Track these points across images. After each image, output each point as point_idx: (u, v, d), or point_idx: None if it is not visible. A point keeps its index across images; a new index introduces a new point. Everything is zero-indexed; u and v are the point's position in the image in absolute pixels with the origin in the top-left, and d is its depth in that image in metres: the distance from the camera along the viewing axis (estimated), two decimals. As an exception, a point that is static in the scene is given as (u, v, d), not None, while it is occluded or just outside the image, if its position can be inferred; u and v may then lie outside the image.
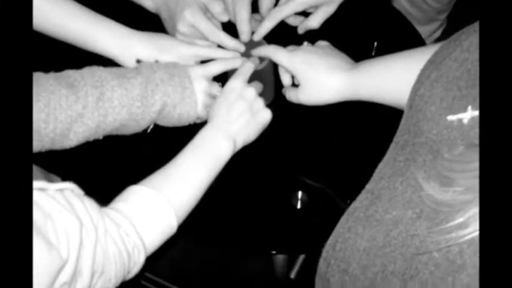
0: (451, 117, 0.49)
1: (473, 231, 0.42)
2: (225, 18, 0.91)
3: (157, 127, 0.83)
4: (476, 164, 0.42)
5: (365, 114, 0.89)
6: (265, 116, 0.81)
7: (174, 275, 1.31)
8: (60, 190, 0.57)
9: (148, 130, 0.82)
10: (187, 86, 0.80)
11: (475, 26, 0.53)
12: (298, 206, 0.83)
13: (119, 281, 0.61)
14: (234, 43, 0.88)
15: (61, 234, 0.54)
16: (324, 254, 0.55)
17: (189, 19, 0.87)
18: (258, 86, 0.83)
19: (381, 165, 0.56)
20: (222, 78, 0.86)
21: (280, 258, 0.90)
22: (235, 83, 0.81)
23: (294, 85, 0.88)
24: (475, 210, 0.42)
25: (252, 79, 0.83)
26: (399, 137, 0.56)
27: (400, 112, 0.60)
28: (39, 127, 0.70)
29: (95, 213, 0.59)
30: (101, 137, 0.77)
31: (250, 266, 1.33)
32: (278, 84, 0.90)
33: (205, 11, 0.90)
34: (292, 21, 0.94)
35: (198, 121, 0.85)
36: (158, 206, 0.67)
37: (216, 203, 0.80)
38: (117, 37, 0.83)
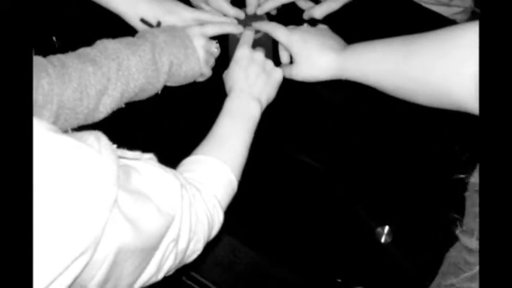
0: None
1: None
2: None
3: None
4: None
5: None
6: (278, 73, 0.88)
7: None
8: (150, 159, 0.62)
9: (159, 92, 0.86)
10: (189, 45, 0.85)
11: None
12: (382, 241, 0.80)
13: (205, 242, 0.67)
14: (233, 11, 0.93)
15: (166, 193, 0.59)
16: None
17: None
18: (261, 50, 0.89)
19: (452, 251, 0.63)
20: (222, 47, 0.91)
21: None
22: (243, 51, 0.87)
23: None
24: None
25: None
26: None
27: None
28: (75, 105, 0.74)
29: (182, 178, 0.64)
30: (123, 105, 0.81)
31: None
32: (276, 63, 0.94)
33: None
34: (302, 4, 1.00)
35: (201, 79, 0.90)
36: (220, 170, 0.73)
37: (294, 226, 0.83)
38: None
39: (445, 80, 0.67)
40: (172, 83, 0.86)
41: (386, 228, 0.80)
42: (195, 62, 0.85)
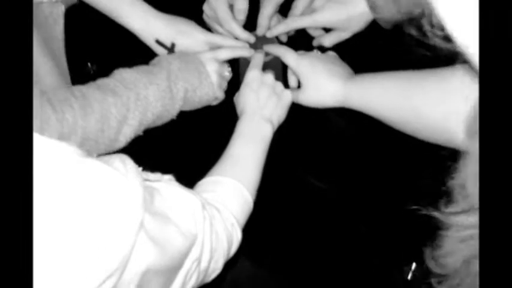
0: None
1: None
2: (240, 17, 0.96)
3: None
4: None
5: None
6: (288, 95, 0.90)
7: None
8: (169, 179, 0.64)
9: (175, 117, 0.88)
10: (202, 70, 0.88)
11: None
12: (408, 277, 0.79)
13: (224, 260, 0.69)
14: (244, 35, 0.95)
15: (189, 213, 0.61)
16: None
17: (212, 3, 0.95)
18: (271, 73, 0.91)
19: None
20: (234, 69, 0.94)
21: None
22: (253, 74, 0.89)
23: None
24: None
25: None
26: None
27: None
28: (97, 136, 0.76)
29: (202, 199, 0.67)
30: (141, 133, 0.84)
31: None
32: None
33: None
34: (312, 31, 1.02)
35: (215, 102, 0.93)
36: (236, 190, 0.75)
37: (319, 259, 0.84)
38: (139, 15, 0.91)
39: (443, 118, 0.70)
40: (187, 107, 0.89)
41: (413, 265, 0.78)
42: (208, 87, 0.88)
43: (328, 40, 0.99)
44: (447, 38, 0.48)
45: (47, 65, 0.86)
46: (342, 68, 0.91)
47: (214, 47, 0.94)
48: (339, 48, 0.97)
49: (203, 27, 0.97)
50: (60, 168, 0.48)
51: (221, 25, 0.97)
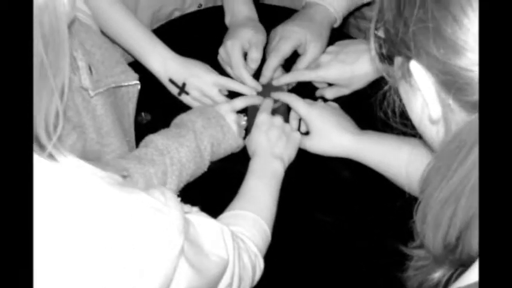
0: None
1: None
2: (252, 66, 1.04)
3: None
4: None
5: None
6: (297, 135, 0.96)
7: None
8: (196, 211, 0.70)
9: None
10: (223, 123, 0.95)
11: None
12: None
13: None
14: (253, 83, 1.03)
15: (220, 241, 0.65)
16: None
17: (227, 48, 1.05)
18: (280, 116, 0.98)
19: None
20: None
21: None
22: (263, 117, 0.96)
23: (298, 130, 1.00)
24: None
25: None
26: None
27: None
28: None
29: (228, 228, 0.72)
30: (178, 193, 0.88)
31: None
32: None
33: (247, 48, 1.04)
34: (317, 83, 1.08)
35: (237, 150, 0.99)
36: (256, 223, 0.81)
37: None
38: (157, 58, 1.02)
39: None
40: (214, 159, 0.94)
41: None
42: (232, 139, 0.94)
43: (330, 93, 1.05)
44: (405, 124, 0.59)
45: (113, 143, 0.90)
46: (349, 122, 0.95)
47: (222, 88, 1.03)
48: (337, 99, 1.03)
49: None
50: (109, 197, 0.52)
51: (232, 70, 1.06)
